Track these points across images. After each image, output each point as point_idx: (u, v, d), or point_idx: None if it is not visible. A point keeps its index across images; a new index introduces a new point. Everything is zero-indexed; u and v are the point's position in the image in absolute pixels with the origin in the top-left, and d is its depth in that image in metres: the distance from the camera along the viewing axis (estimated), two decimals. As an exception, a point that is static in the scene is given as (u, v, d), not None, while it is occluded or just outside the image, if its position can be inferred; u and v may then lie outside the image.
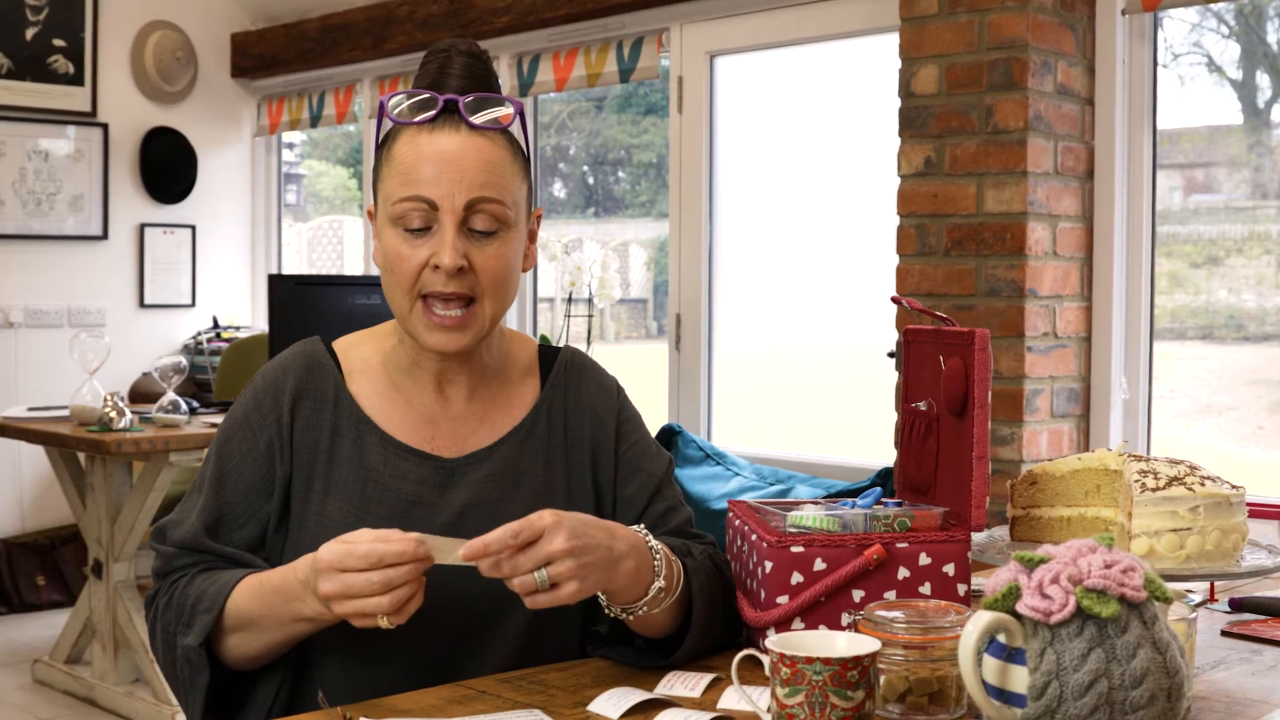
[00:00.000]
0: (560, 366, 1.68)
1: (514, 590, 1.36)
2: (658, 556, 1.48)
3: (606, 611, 1.49)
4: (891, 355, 1.88)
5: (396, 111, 1.52)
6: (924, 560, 1.53)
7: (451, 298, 1.50)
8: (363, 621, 1.35)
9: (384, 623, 1.35)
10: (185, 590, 1.50)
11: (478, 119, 1.51)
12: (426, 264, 1.49)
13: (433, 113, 1.50)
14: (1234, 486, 1.60)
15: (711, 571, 1.59)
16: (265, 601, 1.45)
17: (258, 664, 1.51)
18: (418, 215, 1.49)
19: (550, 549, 1.36)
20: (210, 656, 1.48)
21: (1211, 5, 3.29)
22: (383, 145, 1.55)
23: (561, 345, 1.73)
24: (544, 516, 1.37)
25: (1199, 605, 1.84)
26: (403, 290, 1.51)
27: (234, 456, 1.56)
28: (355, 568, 1.33)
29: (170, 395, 4.20)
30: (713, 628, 1.56)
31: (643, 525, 1.51)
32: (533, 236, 1.61)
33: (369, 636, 1.53)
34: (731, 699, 1.39)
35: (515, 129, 1.56)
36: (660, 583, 1.46)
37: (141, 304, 5.78)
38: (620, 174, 5.77)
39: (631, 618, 1.48)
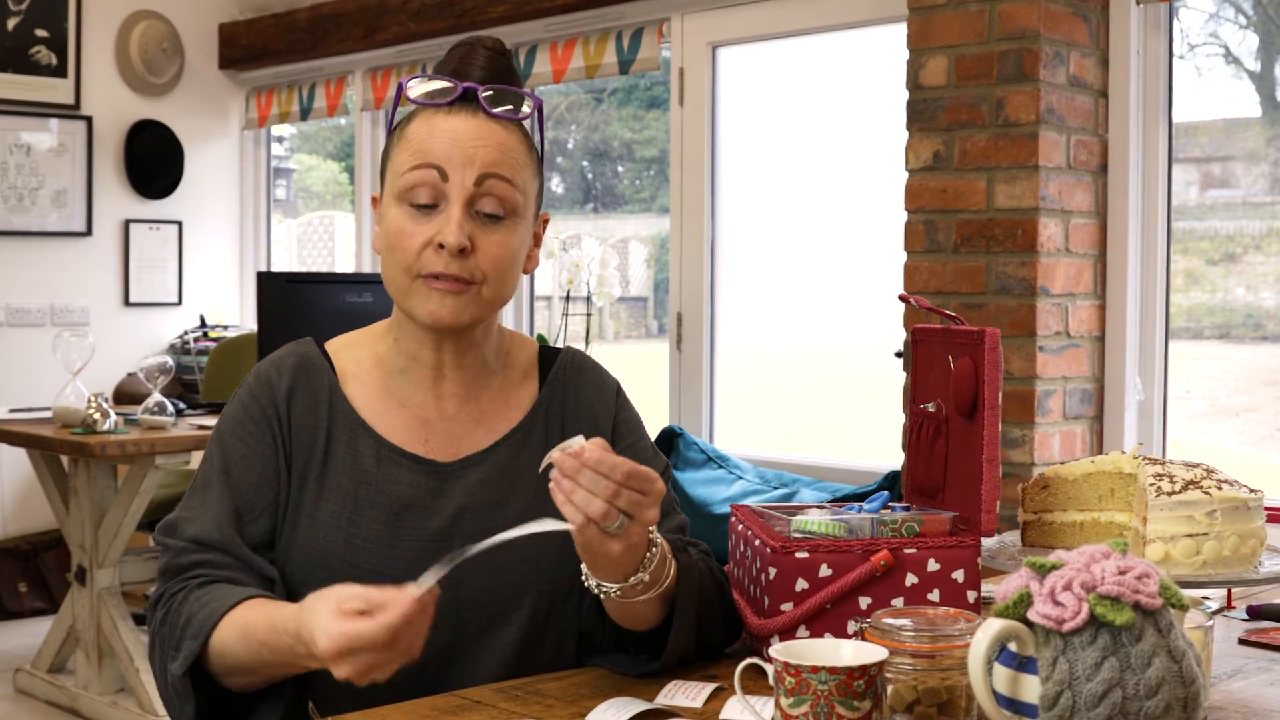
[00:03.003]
0: (560, 368, 1.68)
1: (582, 506, 1.31)
2: (653, 550, 1.45)
3: (584, 581, 1.46)
4: (899, 355, 1.88)
5: (415, 93, 1.54)
6: (932, 566, 1.53)
7: (452, 280, 1.50)
8: (381, 677, 1.32)
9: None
10: (179, 609, 1.49)
11: (497, 109, 1.53)
12: (430, 243, 1.50)
13: (452, 97, 1.53)
14: (1252, 490, 1.60)
15: (707, 576, 1.58)
16: (255, 651, 1.42)
17: (252, 688, 1.51)
18: (426, 190, 1.50)
19: (646, 515, 1.35)
20: (207, 675, 1.47)
21: (1229, -6, 3.29)
22: (396, 128, 1.58)
23: (563, 346, 1.74)
24: (658, 484, 1.35)
25: (1216, 613, 1.84)
26: (402, 268, 1.52)
27: (239, 450, 1.56)
28: (367, 649, 1.28)
29: (156, 396, 4.20)
30: (701, 622, 1.54)
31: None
32: (538, 240, 1.62)
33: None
34: (734, 709, 1.39)
35: (531, 127, 1.58)
36: (644, 575, 1.43)
37: (126, 302, 5.78)
38: (620, 169, 5.78)
39: (605, 596, 1.45)
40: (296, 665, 1.41)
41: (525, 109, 1.56)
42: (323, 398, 1.58)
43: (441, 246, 1.49)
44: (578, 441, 1.34)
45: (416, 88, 1.55)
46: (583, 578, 1.46)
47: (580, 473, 1.32)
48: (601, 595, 1.46)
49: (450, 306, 1.51)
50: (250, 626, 1.43)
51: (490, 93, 1.53)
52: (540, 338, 3.95)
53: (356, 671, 1.29)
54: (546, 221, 1.65)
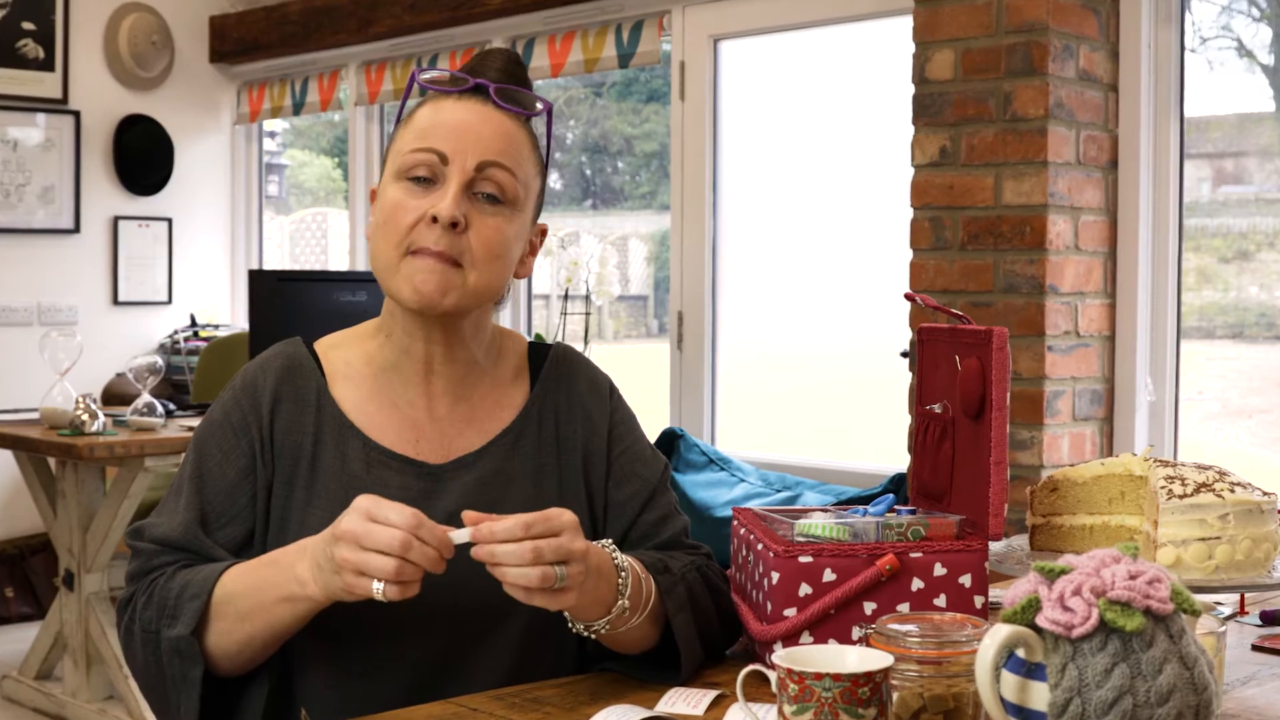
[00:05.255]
0: (550, 365, 1.68)
1: (517, 580, 1.36)
2: (623, 575, 1.48)
3: (570, 628, 1.49)
4: (905, 355, 1.88)
5: (426, 78, 1.58)
6: (939, 571, 1.53)
7: (440, 256, 1.51)
8: (356, 581, 1.35)
9: (378, 593, 1.35)
10: (167, 585, 1.50)
11: (505, 101, 1.57)
12: (423, 218, 1.51)
13: (463, 86, 1.56)
14: (1265, 493, 1.60)
15: (696, 584, 1.59)
16: (256, 578, 1.46)
17: (238, 661, 1.50)
18: (424, 165, 1.53)
19: (573, 547, 1.38)
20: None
21: (1242, -14, 3.29)
22: (405, 117, 1.60)
23: (552, 342, 1.74)
24: (563, 514, 1.39)
25: (1228, 618, 1.84)
26: (392, 244, 1.52)
27: (214, 456, 1.56)
28: (389, 521, 1.34)
29: (145, 397, 4.20)
30: (703, 634, 1.57)
31: (610, 541, 1.51)
32: (533, 249, 1.63)
33: (355, 648, 1.54)
34: (736, 716, 1.39)
35: (540, 129, 1.61)
36: (624, 602, 1.47)
37: (115, 301, 5.78)
38: (619, 164, 5.78)
39: (594, 636, 1.49)
40: (289, 586, 1.42)
41: (535, 103, 1.60)
42: (310, 401, 1.58)
43: (435, 220, 1.50)
44: (461, 535, 1.37)
45: (428, 73, 1.58)
46: (569, 625, 1.49)
47: (494, 554, 1.36)
48: (594, 636, 1.49)
49: (436, 282, 1.51)
50: (259, 560, 1.48)
51: (501, 87, 1.57)
52: (538, 337, 3.95)
53: (361, 555, 1.34)
54: (544, 233, 1.66)
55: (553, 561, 1.36)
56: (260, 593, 1.45)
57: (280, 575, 1.44)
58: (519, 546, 1.35)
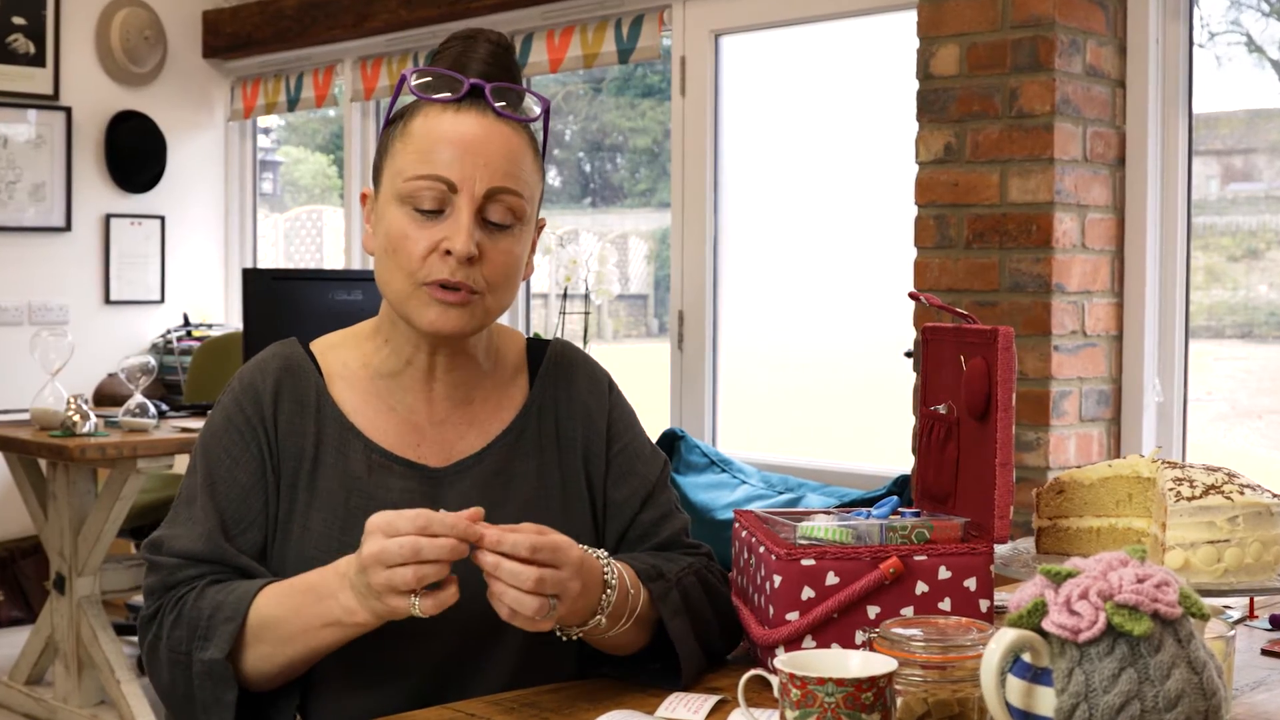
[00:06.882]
0: (549, 362, 1.69)
1: (513, 604, 1.37)
2: (608, 593, 1.47)
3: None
4: (909, 355, 1.89)
5: (418, 84, 1.54)
6: (943, 574, 1.53)
7: (456, 287, 1.51)
8: (397, 601, 1.36)
9: (416, 609, 1.36)
10: (198, 603, 1.49)
11: (504, 108, 1.53)
12: (435, 249, 1.50)
13: (458, 94, 1.52)
14: (1275, 495, 1.60)
15: (693, 589, 1.59)
16: (295, 603, 1.45)
17: (274, 684, 1.50)
18: (431, 196, 1.50)
19: (569, 586, 1.39)
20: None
21: (1251, -19, 3.29)
22: (395, 121, 1.57)
23: (550, 339, 1.74)
24: (571, 550, 1.40)
25: (1237, 622, 1.83)
26: (404, 273, 1.52)
27: (223, 462, 1.56)
28: (399, 531, 1.35)
29: (138, 398, 4.20)
30: (700, 640, 1.57)
31: (605, 554, 1.51)
32: (534, 247, 1.62)
33: (357, 655, 1.53)
34: (738, 722, 1.39)
35: (536, 126, 1.59)
36: (600, 618, 1.47)
37: (107, 300, 5.78)
38: (619, 161, 5.78)
39: (566, 639, 1.50)
40: (331, 611, 1.42)
41: (533, 110, 1.57)
42: (310, 402, 1.58)
43: (448, 253, 1.49)
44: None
45: (419, 79, 1.54)
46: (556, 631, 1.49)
47: (498, 567, 1.37)
48: (564, 638, 1.49)
49: (454, 319, 1.52)
50: (295, 583, 1.47)
51: (498, 92, 1.53)
52: (536, 336, 3.95)
53: (386, 574, 1.34)
54: (542, 227, 1.66)
55: (551, 595, 1.38)
56: (301, 618, 1.44)
57: (322, 604, 1.43)
58: (523, 569, 1.36)
